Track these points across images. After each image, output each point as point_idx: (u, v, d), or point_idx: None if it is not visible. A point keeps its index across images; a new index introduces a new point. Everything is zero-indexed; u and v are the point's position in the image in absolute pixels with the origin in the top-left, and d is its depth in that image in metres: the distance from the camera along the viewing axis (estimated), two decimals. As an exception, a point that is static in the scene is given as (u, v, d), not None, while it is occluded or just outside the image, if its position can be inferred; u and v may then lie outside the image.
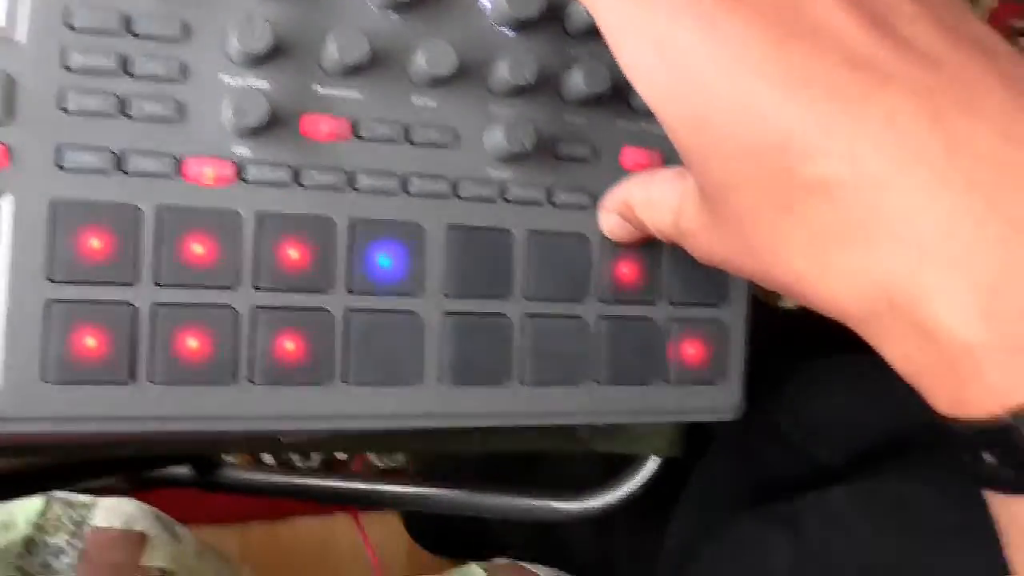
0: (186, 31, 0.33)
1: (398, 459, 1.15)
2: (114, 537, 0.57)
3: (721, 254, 0.31)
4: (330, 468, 1.13)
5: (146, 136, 0.33)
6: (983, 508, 0.27)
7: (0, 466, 0.51)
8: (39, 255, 0.31)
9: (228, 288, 0.34)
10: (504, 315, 0.38)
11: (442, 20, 0.37)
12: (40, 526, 0.56)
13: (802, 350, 0.55)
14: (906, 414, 0.49)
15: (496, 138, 0.37)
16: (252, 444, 0.46)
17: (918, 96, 0.25)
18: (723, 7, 0.27)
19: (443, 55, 0.35)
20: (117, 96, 0.32)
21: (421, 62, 0.35)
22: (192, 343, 0.33)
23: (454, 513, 0.61)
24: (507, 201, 0.38)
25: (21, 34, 0.31)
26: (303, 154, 0.35)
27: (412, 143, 0.36)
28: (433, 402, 0.37)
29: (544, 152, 0.38)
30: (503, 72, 0.36)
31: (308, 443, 0.44)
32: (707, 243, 0.32)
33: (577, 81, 0.37)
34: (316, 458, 1.12)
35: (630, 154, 0.40)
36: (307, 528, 1.14)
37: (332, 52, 0.34)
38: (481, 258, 0.37)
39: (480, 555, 0.62)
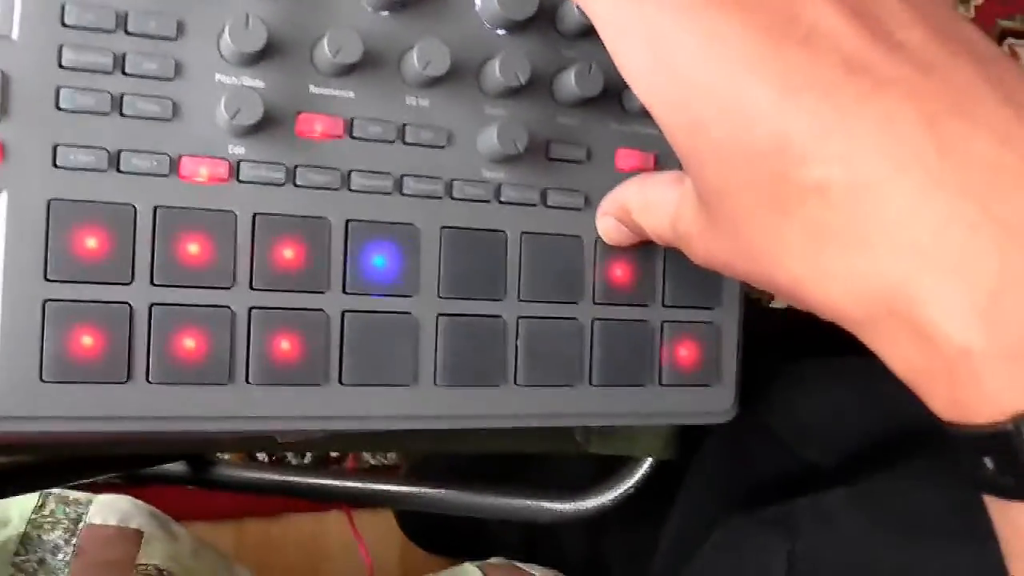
0: (181, 30, 0.33)
1: (391, 456, 1.16)
2: (110, 534, 0.57)
3: (718, 257, 0.31)
4: (324, 464, 1.13)
5: (141, 135, 0.33)
6: (978, 511, 0.27)
7: (-5, 463, 0.51)
8: (35, 254, 0.32)
9: (224, 288, 0.34)
10: (498, 316, 0.38)
11: (435, 21, 0.37)
12: (36, 523, 0.56)
13: (792, 350, 0.56)
14: (897, 414, 0.49)
15: (489, 139, 0.37)
16: (248, 443, 0.46)
17: (912, 100, 0.25)
18: (720, 10, 0.28)
19: (437, 55, 0.35)
20: (112, 94, 0.32)
21: (415, 62, 0.35)
22: (188, 343, 0.33)
23: (448, 513, 0.61)
24: (501, 202, 0.38)
25: (15, 31, 0.31)
26: (298, 153, 0.35)
27: (406, 143, 0.36)
28: (427, 403, 0.37)
29: (538, 153, 0.38)
30: (496, 73, 0.36)
31: (304, 443, 0.44)
32: (704, 246, 0.32)
33: (570, 83, 0.37)
34: (309, 455, 1.12)
35: (624, 156, 0.40)
36: (301, 525, 1.14)
37: (327, 52, 0.34)
38: (475, 259, 0.38)
39: (475, 554, 0.62)
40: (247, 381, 0.34)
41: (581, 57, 0.38)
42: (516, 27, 0.37)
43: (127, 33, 0.33)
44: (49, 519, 0.56)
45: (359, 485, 0.67)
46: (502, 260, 0.38)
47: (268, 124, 0.34)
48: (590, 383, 0.40)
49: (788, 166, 0.26)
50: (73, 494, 0.59)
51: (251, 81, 0.34)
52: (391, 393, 0.36)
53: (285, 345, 0.35)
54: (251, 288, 0.34)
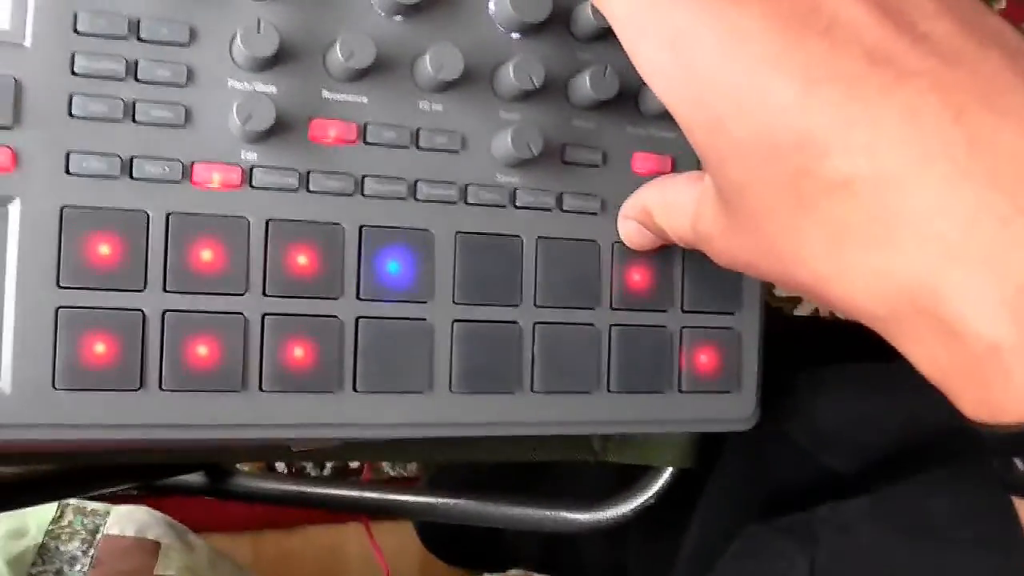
0: (193, 36, 0.33)
1: (410, 467, 1.15)
2: (127, 545, 0.57)
3: (740, 257, 0.31)
4: (342, 475, 1.12)
5: (153, 141, 0.33)
6: (999, 520, 0.26)
7: (13, 473, 0.51)
8: (48, 261, 0.31)
9: (236, 294, 0.34)
10: (514, 322, 0.38)
11: (448, 24, 0.36)
12: (54, 533, 0.56)
13: (812, 356, 0.55)
14: (917, 421, 0.48)
15: (504, 143, 0.36)
16: (262, 452, 0.46)
17: (939, 92, 0.25)
18: (739, 5, 0.27)
19: (450, 60, 0.35)
20: (124, 101, 0.32)
21: (428, 67, 0.35)
22: (201, 350, 0.33)
23: (467, 523, 0.61)
24: (516, 207, 0.38)
25: (28, 38, 0.31)
26: (311, 159, 0.35)
27: (420, 148, 0.36)
28: (442, 410, 0.37)
29: (553, 157, 0.38)
30: (510, 77, 0.36)
31: (319, 452, 0.44)
32: (726, 246, 0.31)
33: (585, 85, 0.37)
34: (328, 465, 1.12)
35: (641, 159, 0.39)
36: (319, 536, 1.14)
37: (339, 57, 0.34)
38: (490, 264, 0.37)
39: (493, 565, 0.62)
40: (260, 388, 0.34)
41: (596, 60, 0.38)
42: (530, 30, 0.37)
43: (139, 40, 0.32)
44: (67, 530, 0.56)
45: (377, 496, 0.67)
46: (518, 265, 0.38)
47: (281, 130, 0.34)
48: (607, 390, 0.39)
49: (811, 160, 0.26)
50: (91, 505, 0.60)
51: (263, 87, 0.34)
52: (405, 400, 0.36)
53: (298, 352, 0.34)
54: (264, 294, 0.34)
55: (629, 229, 0.39)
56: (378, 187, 0.36)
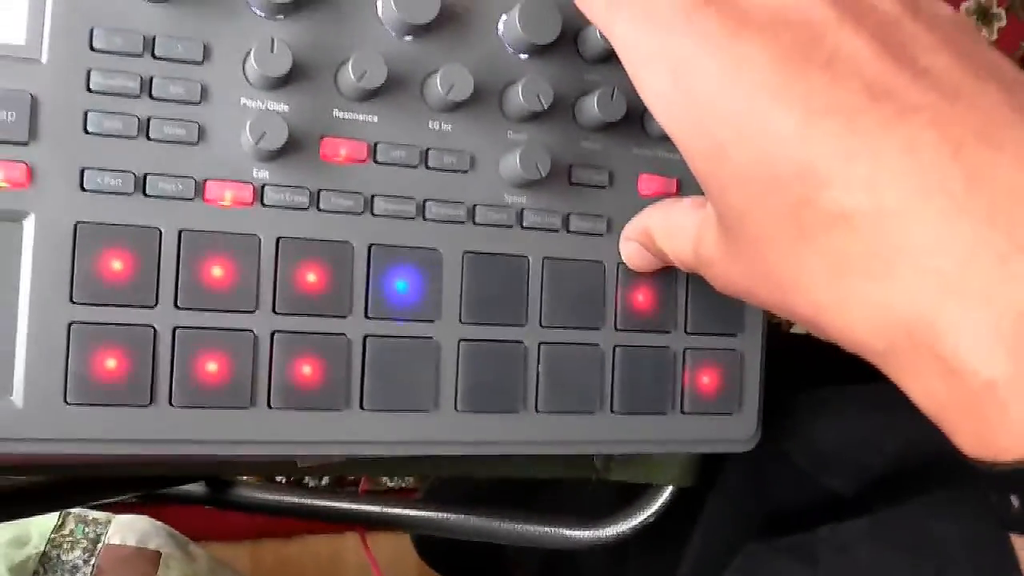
0: (207, 54, 0.33)
1: (407, 478, 1.15)
2: (128, 554, 0.57)
3: (740, 283, 0.31)
4: (340, 483, 1.12)
5: (167, 158, 0.33)
6: (999, 544, 0.26)
7: (15, 483, 0.51)
8: (61, 276, 0.32)
9: (247, 311, 0.34)
10: (519, 342, 0.38)
11: (458, 45, 0.37)
12: (55, 542, 0.56)
13: (812, 376, 0.55)
14: (918, 443, 0.49)
15: (512, 164, 0.37)
16: (268, 467, 0.46)
17: (937, 127, 0.25)
18: (741, 35, 0.28)
19: (460, 80, 0.35)
20: (139, 118, 0.33)
21: (438, 87, 0.35)
22: (211, 366, 0.33)
23: (467, 538, 0.61)
24: (523, 227, 0.38)
25: (44, 54, 0.32)
26: (322, 177, 0.35)
27: (429, 168, 0.37)
28: (447, 429, 0.37)
29: (560, 178, 0.38)
30: (519, 97, 0.36)
31: (323, 467, 0.44)
32: (725, 272, 0.32)
33: (593, 107, 0.37)
34: (327, 477, 1.12)
35: (647, 181, 0.40)
36: (317, 546, 1.14)
37: (351, 76, 0.34)
38: (497, 284, 0.37)
39: (491, 578, 0.62)
40: (268, 405, 0.34)
41: (604, 81, 0.38)
42: (538, 51, 0.38)
43: (154, 57, 0.33)
44: (68, 538, 0.56)
45: (376, 509, 0.67)
46: (524, 285, 0.38)
47: (292, 148, 0.34)
48: (611, 410, 0.39)
49: (811, 191, 0.26)
50: (92, 514, 0.60)
51: (276, 105, 0.34)
52: (411, 418, 0.36)
53: (307, 369, 0.35)
54: (274, 312, 0.34)
55: (630, 250, 0.39)
56: (387, 206, 0.36)
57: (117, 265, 0.32)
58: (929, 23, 0.28)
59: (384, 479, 1.14)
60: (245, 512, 0.72)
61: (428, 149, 0.36)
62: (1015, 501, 0.24)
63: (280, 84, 0.34)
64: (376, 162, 0.36)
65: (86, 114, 0.32)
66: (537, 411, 0.38)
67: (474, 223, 0.37)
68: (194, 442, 0.34)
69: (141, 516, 0.61)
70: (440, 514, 0.61)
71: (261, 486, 0.73)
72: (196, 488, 0.69)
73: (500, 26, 0.37)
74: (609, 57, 0.38)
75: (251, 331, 0.34)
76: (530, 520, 0.56)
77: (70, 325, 0.32)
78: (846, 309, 0.27)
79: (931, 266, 0.24)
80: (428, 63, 0.36)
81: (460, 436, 0.37)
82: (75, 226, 0.32)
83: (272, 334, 0.34)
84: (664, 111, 0.30)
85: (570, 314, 0.39)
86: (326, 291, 0.35)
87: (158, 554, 0.58)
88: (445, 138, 0.37)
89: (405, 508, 0.64)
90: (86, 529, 0.57)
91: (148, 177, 0.33)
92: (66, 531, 0.56)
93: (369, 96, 0.35)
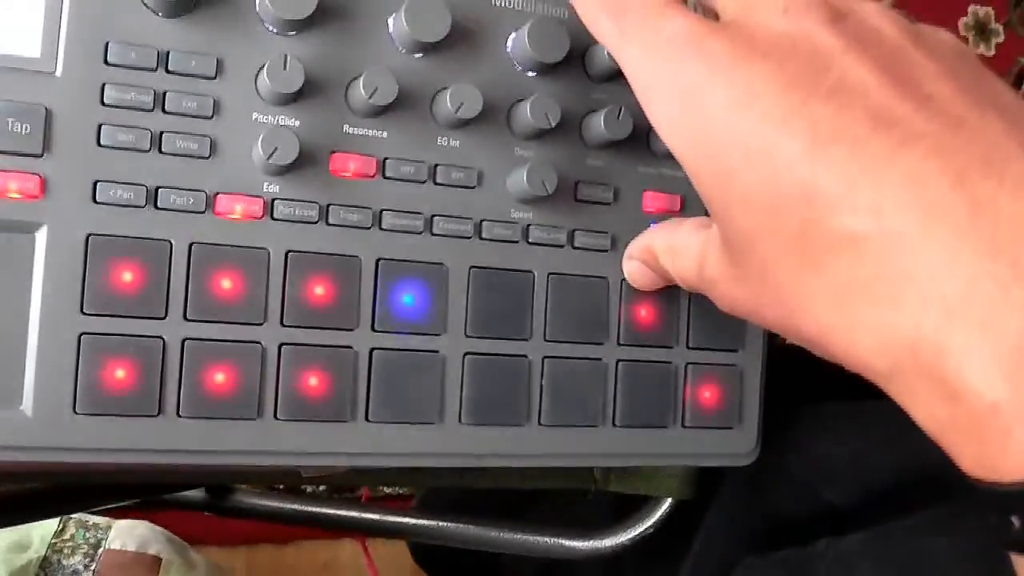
0: (220, 69, 0.34)
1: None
2: (128, 560, 0.57)
3: (744, 303, 0.31)
4: (337, 490, 1.13)
5: (179, 172, 0.33)
6: (997, 565, 0.27)
7: (16, 488, 0.52)
8: (73, 287, 0.32)
9: (255, 324, 0.34)
10: (524, 356, 0.38)
11: (467, 63, 0.37)
12: (56, 547, 0.56)
13: (812, 389, 0.55)
14: (917, 458, 0.49)
15: (519, 180, 0.37)
16: (272, 477, 0.46)
17: (941, 156, 0.26)
18: (749, 63, 0.28)
19: (469, 98, 0.36)
20: (152, 132, 0.33)
21: (447, 104, 0.36)
22: (219, 377, 0.34)
23: (464, 547, 0.61)
24: (529, 243, 0.38)
25: (59, 68, 0.32)
26: (331, 192, 0.35)
27: (437, 183, 0.37)
28: (452, 441, 0.37)
29: (566, 195, 0.39)
30: (527, 115, 0.37)
31: (326, 477, 0.45)
32: (729, 292, 0.32)
33: (599, 125, 0.38)
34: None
35: (651, 198, 0.40)
36: (314, 551, 1.14)
37: (362, 93, 0.34)
38: (502, 299, 0.38)
39: (489, 587, 0.62)
40: (275, 416, 0.35)
41: (610, 100, 0.39)
42: (547, 70, 0.38)
43: (168, 72, 0.33)
44: (69, 543, 0.57)
45: (374, 516, 0.67)
46: (529, 300, 0.38)
47: (303, 163, 0.35)
48: (613, 424, 0.40)
49: (817, 215, 0.27)
50: (93, 519, 0.60)
51: (287, 120, 0.35)
52: (416, 430, 0.37)
53: (313, 381, 0.35)
54: (282, 324, 0.35)
55: (632, 269, 0.39)
56: (395, 221, 0.36)
57: (128, 277, 0.33)
58: (932, 52, 0.29)
59: (381, 487, 1.15)
60: (243, 518, 0.72)
61: (436, 165, 0.37)
62: (1016, 522, 0.24)
63: (292, 100, 0.35)
64: (385, 177, 0.36)
65: (99, 127, 0.32)
66: (541, 424, 0.38)
67: (480, 238, 0.38)
68: (201, 452, 0.34)
69: (141, 521, 0.62)
70: (439, 523, 0.61)
71: (260, 493, 0.73)
72: (196, 494, 0.69)
73: (509, 44, 0.38)
74: (616, 76, 0.39)
75: (259, 343, 0.34)
76: (528, 530, 0.56)
77: (80, 336, 0.32)
78: (851, 331, 0.27)
79: (935, 292, 0.25)
80: (438, 80, 0.37)
81: (464, 448, 0.38)
82: (87, 238, 0.32)
83: (280, 346, 0.35)
84: (673, 135, 0.30)
85: (574, 329, 0.39)
86: (334, 304, 0.35)
87: (158, 559, 0.58)
88: (453, 154, 0.37)
89: (404, 516, 0.64)
90: (87, 534, 0.57)
91: (160, 190, 0.33)
92: (67, 536, 0.57)
93: (379, 112, 0.36)
